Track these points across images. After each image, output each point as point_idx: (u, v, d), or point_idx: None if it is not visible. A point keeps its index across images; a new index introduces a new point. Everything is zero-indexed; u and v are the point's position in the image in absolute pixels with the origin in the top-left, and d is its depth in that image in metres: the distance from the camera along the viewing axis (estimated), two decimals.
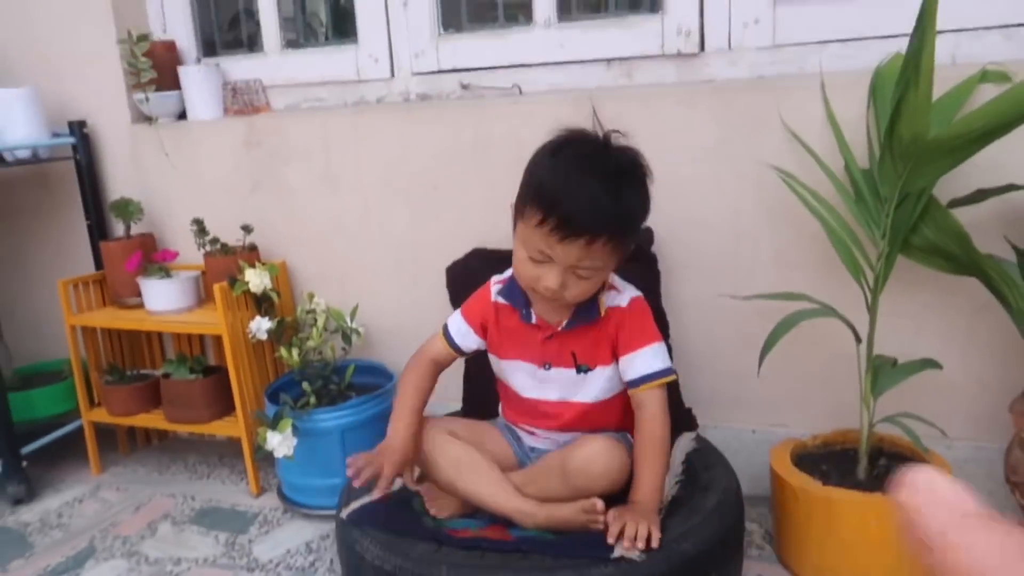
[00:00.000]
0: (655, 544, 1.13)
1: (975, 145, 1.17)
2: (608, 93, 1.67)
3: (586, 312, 1.30)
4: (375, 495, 1.27)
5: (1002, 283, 1.26)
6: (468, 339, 1.40)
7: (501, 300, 1.37)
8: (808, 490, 1.35)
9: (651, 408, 1.28)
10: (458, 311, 1.43)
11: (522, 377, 1.37)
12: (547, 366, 1.34)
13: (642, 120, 1.61)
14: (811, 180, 1.46)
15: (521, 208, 1.21)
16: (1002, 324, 1.44)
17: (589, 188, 1.15)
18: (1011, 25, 1.46)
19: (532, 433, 1.41)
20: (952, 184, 1.42)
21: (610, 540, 1.15)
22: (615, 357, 1.31)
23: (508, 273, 1.37)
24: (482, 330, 1.39)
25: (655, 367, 1.29)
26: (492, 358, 1.41)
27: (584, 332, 1.31)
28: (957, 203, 1.35)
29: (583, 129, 1.24)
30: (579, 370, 1.32)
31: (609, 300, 1.31)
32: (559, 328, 1.31)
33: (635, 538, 1.13)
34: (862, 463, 1.42)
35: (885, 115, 1.39)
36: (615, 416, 1.36)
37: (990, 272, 1.25)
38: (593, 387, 1.33)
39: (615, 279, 1.35)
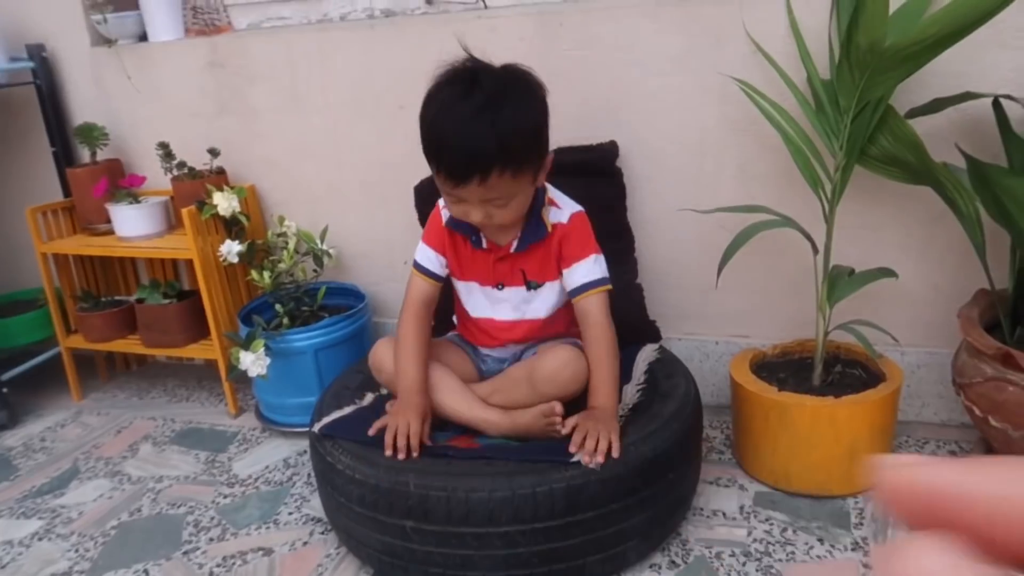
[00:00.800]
0: (615, 454, 1.18)
1: (931, 52, 1.17)
2: (573, 6, 1.64)
3: (534, 232, 1.33)
4: (413, 454, 1.24)
5: (954, 191, 1.28)
6: (437, 263, 1.42)
7: (452, 223, 1.38)
8: (764, 396, 1.40)
9: (595, 315, 1.32)
10: (421, 241, 1.44)
11: (477, 297, 1.41)
12: (500, 286, 1.38)
13: (607, 33, 1.60)
14: (774, 92, 1.47)
15: (427, 160, 1.25)
16: (956, 233, 1.47)
17: (461, 129, 1.17)
18: None
19: (486, 344, 1.46)
20: (911, 94, 1.42)
21: (572, 450, 1.19)
22: (559, 272, 1.36)
23: None
24: (443, 252, 1.42)
25: (595, 275, 1.33)
26: (452, 279, 1.45)
27: (533, 252, 1.35)
28: (915, 113, 1.36)
29: (453, 65, 1.24)
30: (529, 287, 1.37)
31: (552, 216, 1.34)
32: (511, 250, 1.34)
33: (596, 451, 1.18)
34: (817, 370, 1.47)
35: (846, 24, 1.38)
36: (562, 327, 1.43)
37: (943, 180, 1.27)
38: (543, 303, 1.39)
39: (555, 194, 1.37)
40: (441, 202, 1.39)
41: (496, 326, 1.42)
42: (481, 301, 1.42)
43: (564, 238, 1.33)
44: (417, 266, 1.42)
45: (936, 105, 1.34)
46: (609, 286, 1.35)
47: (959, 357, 1.37)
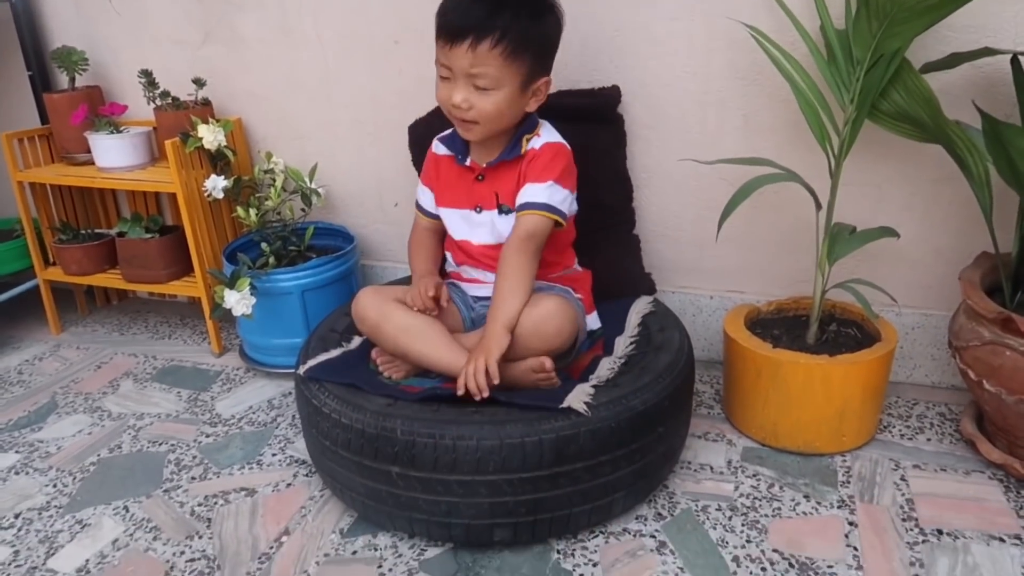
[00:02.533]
0: (495, 381, 1.18)
1: (953, 4, 1.12)
2: None
3: (510, 149, 1.35)
4: (443, 303, 1.33)
5: (965, 150, 1.24)
6: (431, 200, 1.47)
7: (442, 150, 1.44)
8: (758, 352, 1.39)
9: (520, 233, 1.29)
10: (420, 183, 1.49)
11: (458, 222, 1.43)
12: (478, 208, 1.39)
13: None
14: (785, 40, 1.41)
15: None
16: (962, 195, 1.44)
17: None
18: None
19: (475, 280, 1.45)
20: (928, 48, 1.38)
21: (459, 392, 1.19)
22: None
23: (452, 130, 1.40)
24: (431, 186, 1.46)
25: (539, 198, 1.31)
26: (439, 211, 1.47)
27: (506, 173, 1.36)
28: (930, 67, 1.31)
29: None
30: (500, 210, 1.37)
31: (531, 143, 1.35)
32: (486, 164, 1.36)
33: (475, 387, 1.18)
34: (812, 328, 1.45)
35: None
36: (545, 258, 1.36)
37: (955, 138, 1.24)
38: (511, 228, 1.34)
39: (546, 128, 1.38)
40: (437, 137, 1.45)
41: (476, 249, 1.42)
42: (461, 225, 1.43)
43: (532, 160, 1.34)
44: (417, 206, 1.50)
45: (953, 60, 1.29)
46: (552, 216, 1.31)
47: (956, 320, 1.36)
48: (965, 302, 1.33)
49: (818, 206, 1.39)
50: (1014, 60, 1.29)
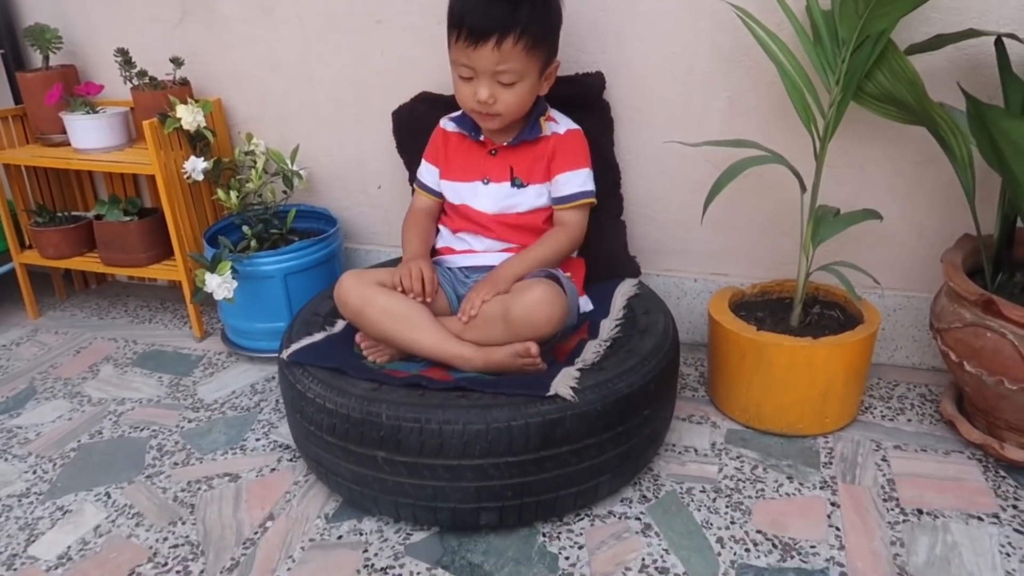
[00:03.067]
0: (473, 312, 1.27)
1: None
2: None
3: (529, 131, 1.42)
4: (428, 297, 1.35)
5: (949, 132, 1.24)
6: (435, 177, 1.52)
7: (452, 127, 1.49)
8: (742, 335, 1.39)
9: (571, 224, 1.42)
10: (423, 160, 1.54)
11: (461, 190, 1.48)
12: (486, 180, 1.45)
13: None
14: (771, 21, 1.40)
15: (448, 37, 1.35)
16: (945, 177, 1.45)
17: None
18: None
19: (469, 250, 1.47)
20: (912, 30, 1.38)
21: (463, 319, 1.29)
22: (547, 177, 1.43)
23: (460, 112, 1.47)
24: (437, 162, 1.51)
25: (584, 188, 1.43)
26: (442, 185, 1.52)
27: (525, 150, 1.43)
28: (915, 49, 1.31)
29: None
30: (513, 183, 1.43)
31: (549, 127, 1.43)
32: (505, 143, 1.43)
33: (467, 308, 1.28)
34: (796, 310, 1.45)
35: None
36: (540, 232, 1.45)
37: (939, 120, 1.24)
38: (523, 203, 1.44)
39: (555, 113, 1.46)
40: (443, 120, 1.51)
41: (475, 213, 1.46)
42: (465, 193, 1.47)
43: (560, 146, 1.42)
44: (418, 183, 1.55)
45: (938, 42, 1.29)
46: (594, 200, 1.44)
47: (938, 302, 1.37)
48: (947, 284, 1.34)
49: (803, 188, 1.39)
50: (998, 42, 1.30)
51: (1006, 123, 1.14)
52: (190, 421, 1.56)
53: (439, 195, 1.53)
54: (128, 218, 1.87)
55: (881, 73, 1.27)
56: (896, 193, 1.53)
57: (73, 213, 2.03)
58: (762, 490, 1.29)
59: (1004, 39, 1.28)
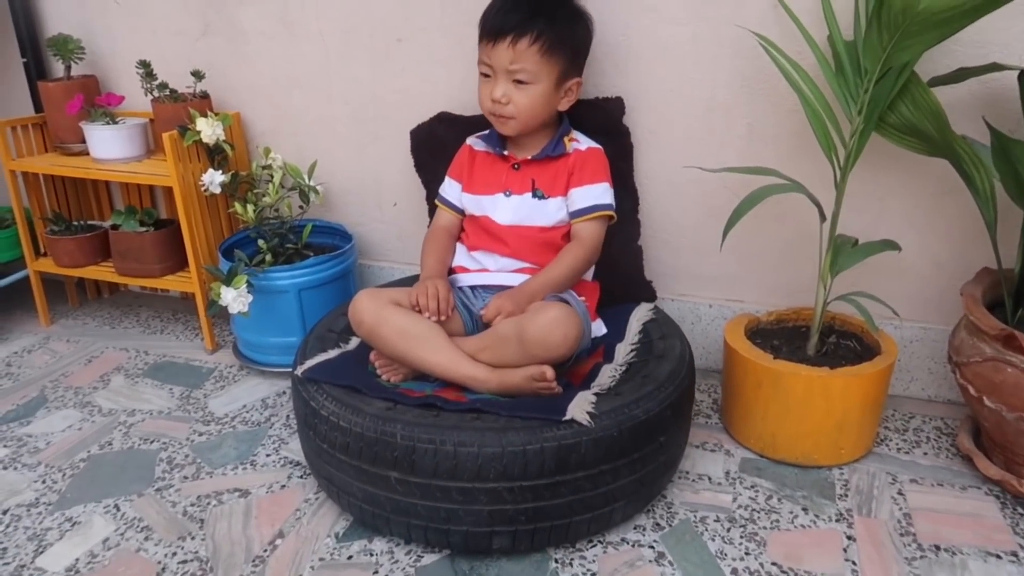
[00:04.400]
0: (493, 318, 1.30)
1: (965, 18, 1.11)
2: None
3: (553, 147, 1.45)
4: (442, 315, 1.34)
5: (971, 165, 1.24)
6: (457, 193, 1.54)
7: (480, 146, 1.53)
8: (759, 363, 1.38)
9: (588, 237, 1.43)
10: (446, 176, 1.57)
11: (483, 202, 1.49)
12: (508, 192, 1.47)
13: None
14: (792, 50, 1.41)
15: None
16: (964, 209, 1.44)
17: (513, 1, 1.37)
18: None
19: (483, 269, 1.47)
20: (935, 62, 1.38)
21: (486, 317, 1.31)
22: (567, 192, 1.45)
23: (487, 131, 1.52)
24: (461, 178, 1.54)
25: (601, 200, 1.44)
26: (464, 198, 1.53)
27: (547, 165, 1.46)
28: (938, 81, 1.31)
29: None
30: (535, 195, 1.45)
31: (572, 145, 1.47)
32: (528, 157, 1.46)
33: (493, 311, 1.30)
34: (813, 339, 1.44)
35: None
36: (557, 249, 1.45)
37: (961, 153, 1.23)
38: (543, 215, 1.45)
39: (577, 134, 1.49)
40: (470, 139, 1.55)
41: (496, 226, 1.47)
42: (486, 205, 1.49)
43: (580, 161, 1.45)
44: (440, 198, 1.57)
45: (961, 75, 1.30)
46: (612, 213, 1.46)
47: (957, 335, 1.36)
48: (967, 317, 1.33)
49: (822, 217, 1.39)
50: (1021, 76, 1.29)
51: None
52: (200, 434, 1.55)
53: (460, 211, 1.54)
54: (144, 229, 1.87)
55: (904, 104, 1.27)
56: (914, 224, 1.52)
57: (89, 222, 2.04)
58: (777, 521, 1.28)
59: None
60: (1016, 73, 1.30)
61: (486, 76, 1.40)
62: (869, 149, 1.38)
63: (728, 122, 1.56)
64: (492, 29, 1.36)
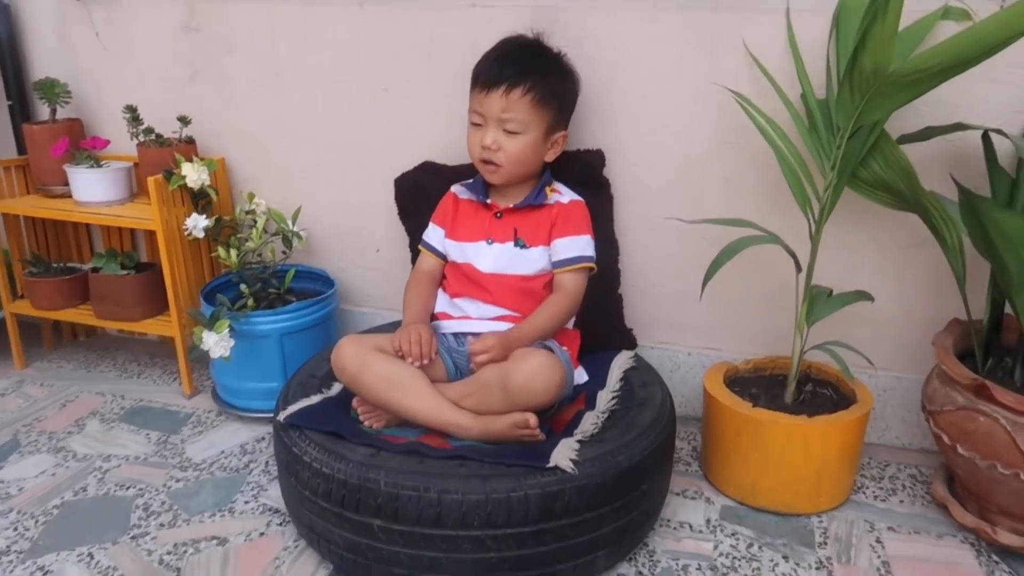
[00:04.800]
0: (483, 358, 1.30)
1: (933, 80, 1.17)
2: (570, 3, 1.61)
3: (535, 197, 1.48)
4: (424, 359, 1.35)
5: (940, 220, 1.29)
6: (440, 239, 1.56)
7: (464, 194, 1.55)
8: (738, 411, 1.40)
9: (570, 289, 1.45)
10: (430, 222, 1.58)
11: (466, 249, 1.51)
12: (490, 240, 1.49)
13: (603, 33, 1.58)
14: (767, 107, 1.46)
15: (470, 93, 1.46)
16: (934, 261, 1.49)
17: (508, 47, 1.45)
18: None
19: (465, 316, 1.47)
20: (904, 121, 1.43)
21: (472, 350, 1.33)
22: (549, 242, 1.47)
23: (471, 180, 1.55)
24: (444, 224, 1.56)
25: (584, 253, 1.47)
26: (447, 244, 1.55)
27: (529, 215, 1.48)
28: (906, 139, 1.37)
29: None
30: (517, 243, 1.47)
31: (554, 197, 1.49)
32: (511, 206, 1.48)
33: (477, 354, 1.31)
34: (790, 388, 1.47)
35: (847, 45, 1.39)
36: (538, 298, 1.46)
37: (931, 208, 1.28)
38: (525, 264, 1.47)
39: (559, 185, 1.52)
40: (455, 187, 1.57)
41: (478, 273, 1.48)
42: (468, 252, 1.50)
43: (563, 214, 1.48)
44: (423, 243, 1.58)
45: (928, 133, 1.35)
46: (593, 265, 1.48)
47: (930, 384, 1.39)
48: (939, 367, 1.36)
49: (798, 268, 1.42)
50: (985, 136, 1.35)
51: (997, 214, 1.18)
52: (178, 480, 1.53)
53: (443, 256, 1.55)
54: (125, 272, 1.86)
55: (875, 161, 1.32)
56: (886, 275, 1.57)
57: (68, 264, 2.03)
58: (758, 569, 1.28)
59: (991, 133, 1.34)
60: (980, 132, 1.36)
61: (477, 125, 1.43)
62: (842, 203, 1.43)
63: (706, 175, 1.61)
64: (487, 79, 1.40)
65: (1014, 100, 1.40)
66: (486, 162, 1.44)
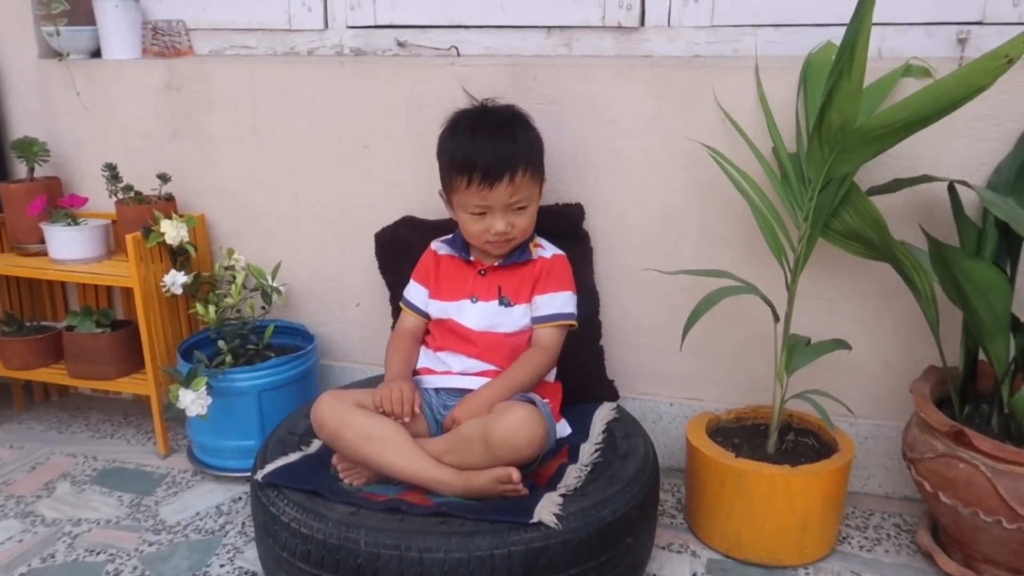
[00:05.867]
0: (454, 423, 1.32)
1: (898, 135, 1.21)
2: (547, 61, 1.65)
3: (519, 254, 1.48)
4: (405, 416, 1.34)
5: (912, 269, 1.31)
6: (422, 297, 1.55)
7: (443, 250, 1.55)
8: (721, 462, 1.40)
9: (547, 344, 1.45)
10: (411, 280, 1.57)
11: (449, 308, 1.50)
12: (474, 299, 1.48)
13: (579, 91, 1.61)
14: (740, 160, 1.49)
15: (448, 184, 1.45)
16: (908, 309, 1.51)
17: (491, 141, 1.39)
18: (933, 23, 1.52)
19: (447, 371, 1.46)
20: (872, 173, 1.47)
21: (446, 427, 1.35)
22: (531, 297, 1.47)
23: (451, 235, 1.55)
24: (426, 283, 1.55)
25: (565, 310, 1.47)
26: (429, 304, 1.54)
27: (513, 271, 1.48)
28: (876, 191, 1.40)
29: (464, 107, 1.49)
30: (501, 302, 1.47)
31: (537, 252, 1.50)
32: (495, 264, 1.48)
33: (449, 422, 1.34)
34: (772, 437, 1.47)
35: (814, 101, 1.43)
36: (522, 352, 1.46)
37: (902, 258, 1.31)
38: (510, 322, 1.47)
39: (541, 240, 1.53)
40: (434, 244, 1.57)
41: (461, 328, 1.47)
42: (452, 311, 1.49)
43: (547, 269, 1.48)
44: (405, 302, 1.56)
45: (895, 185, 1.39)
46: (574, 322, 1.48)
47: (910, 431, 1.40)
48: (917, 415, 1.37)
49: (776, 318, 1.44)
50: (951, 187, 1.39)
51: (966, 263, 1.21)
52: (151, 544, 1.49)
53: (425, 315, 1.54)
54: (100, 330, 1.84)
55: (846, 212, 1.35)
56: (862, 324, 1.59)
57: (42, 323, 2.00)
58: None
59: (956, 185, 1.38)
60: (946, 184, 1.40)
61: (479, 215, 1.41)
62: (817, 253, 1.45)
63: (682, 226, 1.63)
64: (486, 173, 1.37)
65: (976, 152, 1.45)
66: (494, 243, 1.44)
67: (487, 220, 1.41)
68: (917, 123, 1.19)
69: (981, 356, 1.43)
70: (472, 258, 1.50)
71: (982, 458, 1.23)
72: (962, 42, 1.52)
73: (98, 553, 1.46)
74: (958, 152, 1.46)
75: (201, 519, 1.57)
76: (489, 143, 1.38)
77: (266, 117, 1.83)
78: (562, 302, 1.47)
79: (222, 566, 1.42)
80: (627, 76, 1.59)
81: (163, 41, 1.95)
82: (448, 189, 1.45)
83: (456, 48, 1.78)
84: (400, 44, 1.82)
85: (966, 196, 1.40)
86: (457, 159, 1.40)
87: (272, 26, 1.90)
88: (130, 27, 1.92)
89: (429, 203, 1.71)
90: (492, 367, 1.45)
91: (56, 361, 1.91)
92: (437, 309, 1.52)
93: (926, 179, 1.37)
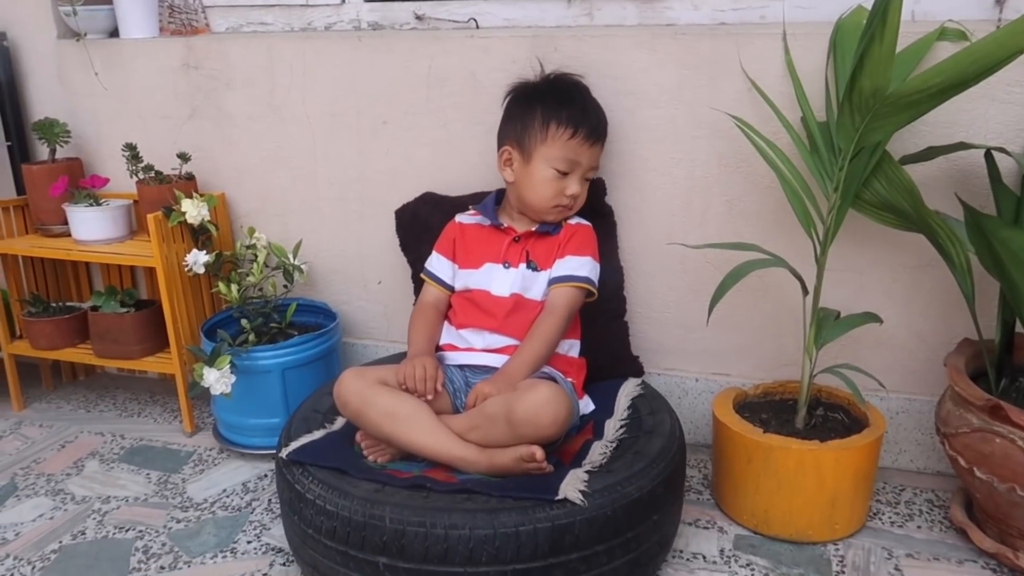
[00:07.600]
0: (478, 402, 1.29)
1: (932, 101, 1.17)
2: (568, 31, 1.62)
3: (554, 224, 1.48)
4: (428, 394, 1.33)
5: (947, 240, 1.28)
6: (446, 269, 1.54)
7: (469, 220, 1.55)
8: (749, 437, 1.38)
9: (559, 305, 1.43)
10: (433, 251, 1.57)
11: (480, 276, 1.49)
12: (506, 264, 1.48)
13: (601, 61, 1.58)
14: (767, 130, 1.46)
15: (542, 134, 1.42)
16: (942, 281, 1.47)
17: (592, 103, 1.46)
18: None
19: (471, 348, 1.45)
20: (905, 142, 1.43)
21: (467, 406, 1.32)
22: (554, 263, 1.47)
23: (477, 206, 1.56)
24: (452, 254, 1.54)
25: (580, 272, 1.45)
26: (457, 274, 1.53)
27: (543, 239, 1.48)
28: (909, 160, 1.36)
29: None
30: (529, 266, 1.47)
31: (568, 221, 1.50)
32: (531, 229, 1.48)
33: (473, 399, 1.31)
34: (801, 412, 1.45)
35: (844, 67, 1.39)
36: None
37: (937, 228, 1.27)
38: (536, 287, 1.46)
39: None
40: (458, 216, 1.57)
41: (491, 299, 1.46)
42: (483, 277, 1.48)
43: (569, 235, 1.48)
44: (427, 273, 1.56)
45: (930, 153, 1.35)
46: (588, 287, 1.46)
47: (943, 406, 1.37)
48: (952, 388, 1.34)
49: (805, 291, 1.41)
50: (988, 155, 1.35)
51: (1004, 232, 1.17)
52: (178, 521, 1.50)
53: (449, 287, 1.53)
54: (125, 310, 1.85)
55: (878, 182, 1.31)
56: (894, 297, 1.55)
57: (67, 303, 2.01)
58: None
59: (993, 152, 1.34)
60: (982, 151, 1.35)
61: (563, 172, 1.42)
62: (847, 225, 1.42)
63: (708, 199, 1.60)
64: (593, 131, 1.41)
65: (1015, 118, 1.40)
66: (562, 207, 1.45)
67: (565, 181, 1.42)
68: (953, 88, 1.14)
69: (1019, 328, 1.39)
70: (505, 225, 1.50)
71: (1020, 433, 1.19)
72: (1000, 3, 1.46)
73: (127, 530, 1.47)
74: (995, 118, 1.41)
75: (228, 496, 1.58)
76: (592, 104, 1.45)
77: (284, 94, 1.82)
78: (577, 264, 1.45)
79: (249, 543, 1.43)
80: (650, 45, 1.55)
81: (180, 19, 1.94)
82: (532, 141, 1.42)
83: (475, 20, 1.75)
84: (418, 17, 1.79)
85: (1004, 163, 1.35)
86: (565, 109, 1.41)
87: (289, 2, 1.88)
88: (147, 6, 1.91)
89: (449, 179, 1.69)
90: (515, 341, 1.43)
91: (82, 341, 1.93)
92: (466, 278, 1.50)
93: (962, 146, 1.32)
